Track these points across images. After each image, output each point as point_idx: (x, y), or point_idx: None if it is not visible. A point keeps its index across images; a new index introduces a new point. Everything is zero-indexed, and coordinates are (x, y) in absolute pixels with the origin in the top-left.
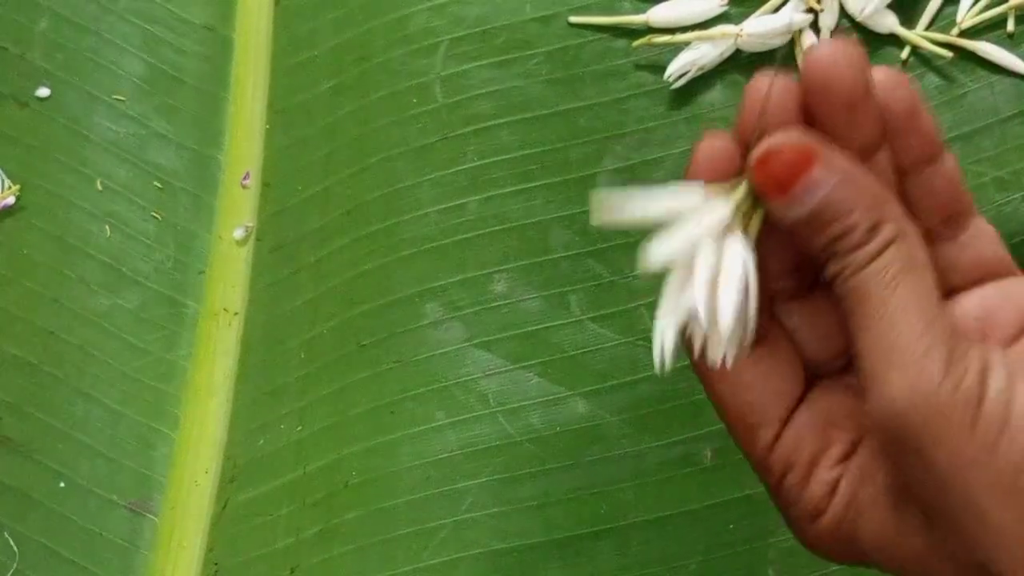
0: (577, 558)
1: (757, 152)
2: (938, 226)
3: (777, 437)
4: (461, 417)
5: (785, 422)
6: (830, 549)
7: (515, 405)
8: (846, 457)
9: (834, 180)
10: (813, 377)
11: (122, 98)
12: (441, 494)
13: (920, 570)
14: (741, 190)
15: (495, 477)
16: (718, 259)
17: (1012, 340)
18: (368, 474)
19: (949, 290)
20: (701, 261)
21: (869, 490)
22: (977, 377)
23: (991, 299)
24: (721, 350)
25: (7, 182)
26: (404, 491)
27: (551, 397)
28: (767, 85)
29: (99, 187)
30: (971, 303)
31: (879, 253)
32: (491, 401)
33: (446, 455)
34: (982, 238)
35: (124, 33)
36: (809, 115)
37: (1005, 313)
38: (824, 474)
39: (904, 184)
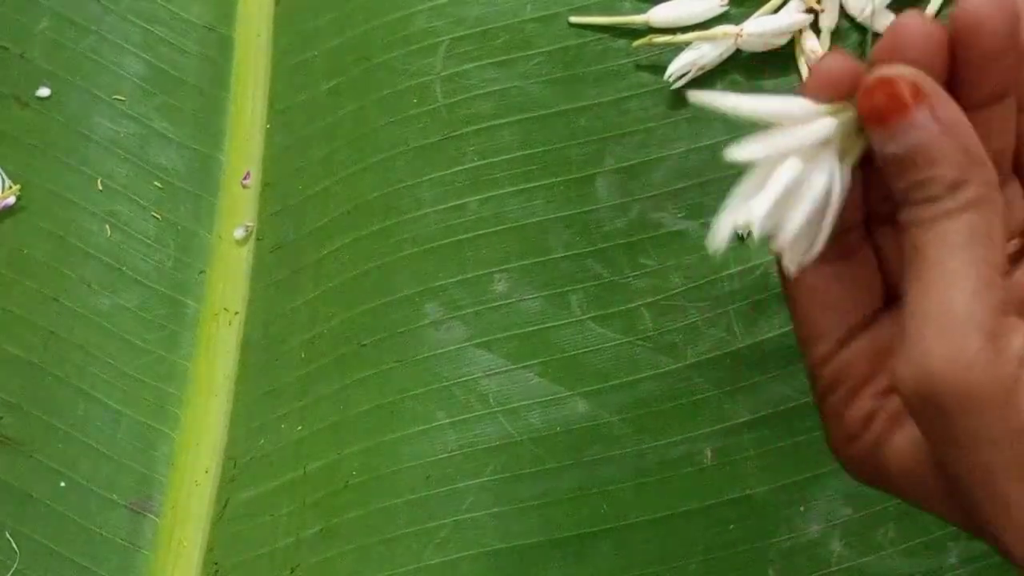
0: (577, 558)
1: (872, 78)
2: None
3: (833, 354)
4: (461, 417)
5: (844, 342)
6: (859, 471)
7: (515, 405)
8: (888, 392)
9: (932, 127)
10: (890, 304)
11: (122, 98)
12: (441, 494)
13: (938, 512)
14: (848, 113)
15: (495, 477)
16: (804, 172)
17: None
18: (368, 474)
19: None
20: (784, 169)
21: (900, 430)
22: (1016, 360)
23: None
24: (791, 259)
25: (7, 182)
26: (404, 491)
27: (551, 397)
28: (914, 22)
29: (99, 187)
30: None
31: (951, 214)
32: (491, 401)
33: (446, 455)
34: None
35: (124, 33)
36: (950, 60)
37: None
38: (864, 402)
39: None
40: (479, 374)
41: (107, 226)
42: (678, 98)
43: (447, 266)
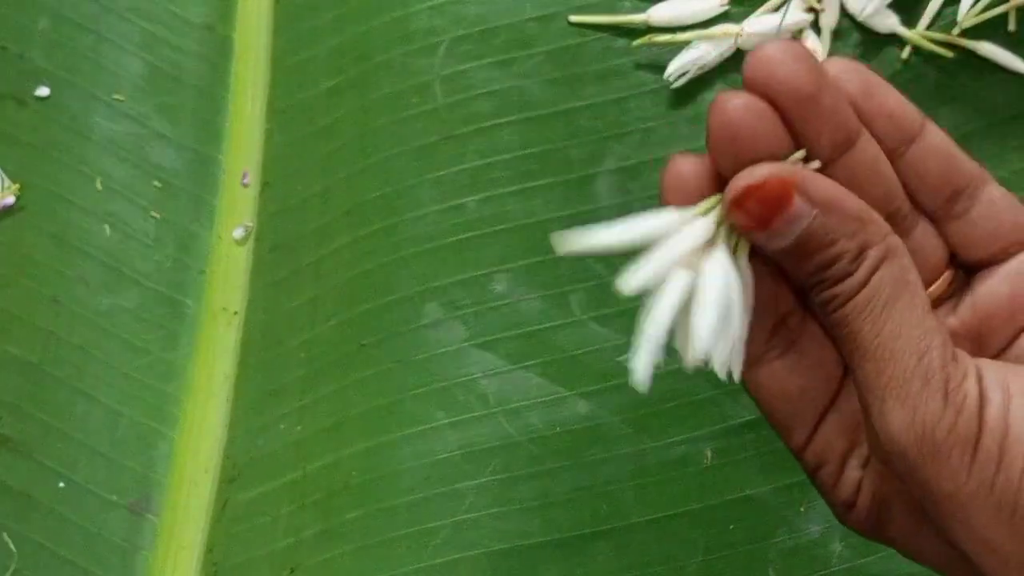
0: (577, 558)
1: (732, 191)
2: (944, 204)
3: (810, 438)
4: (461, 417)
5: (818, 423)
6: (866, 534)
7: (515, 405)
8: (869, 458)
9: (814, 211)
10: (846, 373)
11: (122, 98)
12: (441, 494)
13: (941, 568)
14: (719, 211)
15: (495, 477)
16: (694, 280)
17: None
18: (368, 474)
19: (974, 267)
20: (672, 285)
21: (891, 491)
22: (974, 408)
23: (1017, 273)
24: (720, 366)
25: (7, 182)
26: (404, 491)
27: (551, 397)
28: (735, 107)
29: (99, 187)
30: (998, 281)
31: (866, 281)
32: (491, 401)
33: (446, 455)
34: (998, 208)
35: (124, 33)
36: (785, 126)
37: None
38: (852, 472)
39: (896, 169)
40: (479, 374)
41: (106, 226)
42: (678, 98)
43: (447, 266)
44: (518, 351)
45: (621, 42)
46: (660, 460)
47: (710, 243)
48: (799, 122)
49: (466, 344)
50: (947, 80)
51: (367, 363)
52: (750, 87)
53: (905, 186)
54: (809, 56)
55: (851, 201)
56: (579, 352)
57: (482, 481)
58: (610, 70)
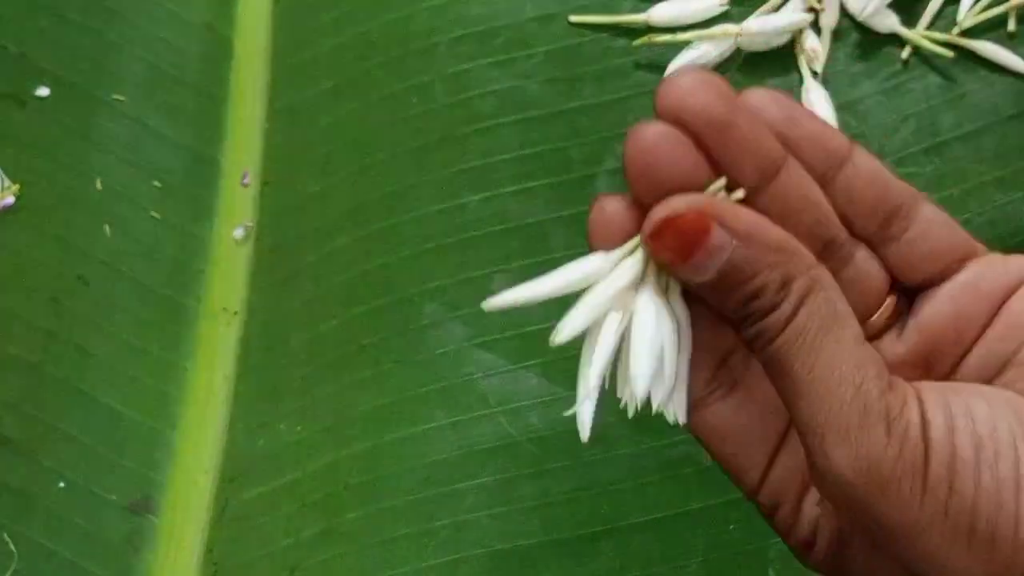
0: (577, 558)
1: (650, 225)
2: (880, 228)
3: (762, 480)
4: (461, 417)
5: (770, 464)
6: (830, 573)
7: (515, 405)
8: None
9: (733, 243)
10: None
11: (122, 98)
12: (441, 494)
13: None
14: (642, 251)
15: (495, 477)
16: (625, 322)
17: (984, 329)
18: (368, 474)
19: (917, 290)
20: (604, 329)
21: (846, 528)
22: (918, 434)
23: (958, 291)
24: (660, 407)
25: (7, 182)
26: (404, 491)
27: (551, 397)
28: (649, 136)
29: (99, 187)
30: (941, 301)
31: (793, 315)
32: (491, 401)
33: (446, 455)
34: (933, 227)
35: (124, 33)
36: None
37: (976, 303)
38: (809, 510)
39: (828, 195)
40: (479, 374)
41: (106, 226)
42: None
43: (447, 266)
44: (518, 351)
45: (621, 42)
46: (660, 460)
47: (640, 283)
48: (718, 150)
49: (466, 344)
50: (947, 80)
51: (367, 363)
52: (663, 116)
53: (839, 213)
54: (720, 83)
55: (772, 231)
56: (579, 353)
57: (482, 481)
58: (610, 70)
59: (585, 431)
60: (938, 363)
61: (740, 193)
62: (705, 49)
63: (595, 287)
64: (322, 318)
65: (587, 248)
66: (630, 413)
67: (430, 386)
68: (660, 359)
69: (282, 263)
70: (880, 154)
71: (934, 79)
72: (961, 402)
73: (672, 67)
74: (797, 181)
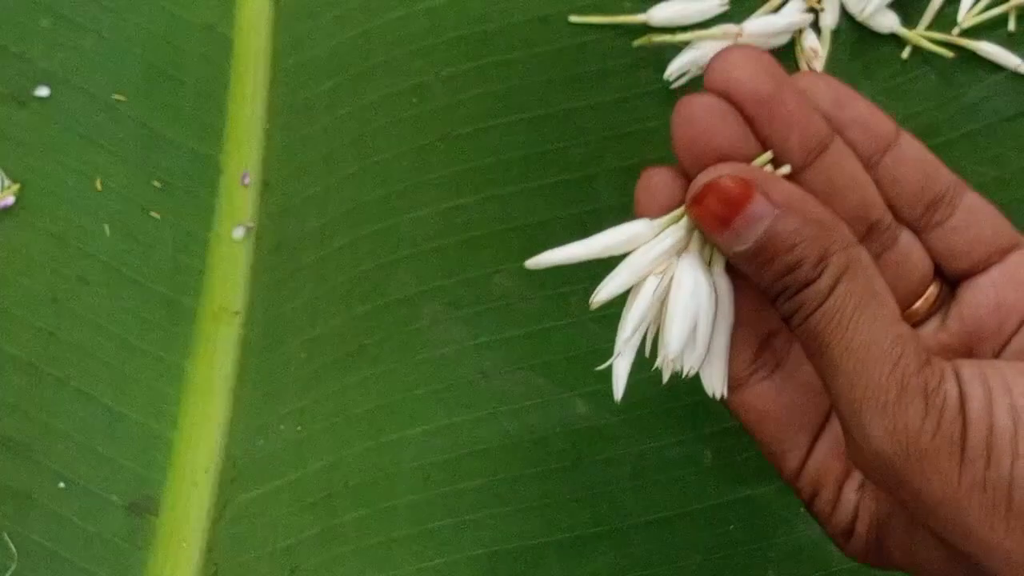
0: (577, 558)
1: (693, 188)
2: (924, 214)
3: (803, 463)
4: (462, 418)
5: (811, 447)
6: (868, 561)
7: (516, 406)
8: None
9: (775, 212)
10: None
11: (122, 98)
12: (441, 494)
13: None
14: (686, 219)
15: (496, 477)
16: (663, 287)
17: (1021, 323)
18: (368, 474)
19: (960, 277)
20: (641, 293)
21: (886, 510)
22: (956, 408)
23: (1001, 281)
24: (690, 371)
25: (7, 181)
26: (404, 491)
27: (552, 397)
28: (697, 106)
29: (99, 187)
30: (984, 289)
31: (831, 291)
32: (492, 402)
33: (446, 455)
34: (977, 216)
35: (124, 33)
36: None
37: (1017, 293)
38: (849, 497)
39: (874, 178)
40: (479, 375)
41: (106, 226)
42: (678, 98)
43: (447, 266)
44: (518, 351)
45: (621, 42)
46: (660, 461)
47: (683, 251)
48: (765, 125)
49: (466, 344)
50: (947, 80)
51: (368, 363)
52: (711, 89)
53: (884, 197)
54: (768, 59)
55: (813, 206)
56: (579, 353)
57: (482, 481)
58: (610, 70)
59: (619, 389)
60: (980, 350)
61: (786, 169)
62: (705, 49)
63: (637, 251)
64: (322, 318)
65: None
66: (664, 379)
67: (430, 386)
68: (694, 326)
69: (282, 263)
70: None
71: (934, 79)
72: (999, 376)
73: (672, 67)
74: (843, 161)
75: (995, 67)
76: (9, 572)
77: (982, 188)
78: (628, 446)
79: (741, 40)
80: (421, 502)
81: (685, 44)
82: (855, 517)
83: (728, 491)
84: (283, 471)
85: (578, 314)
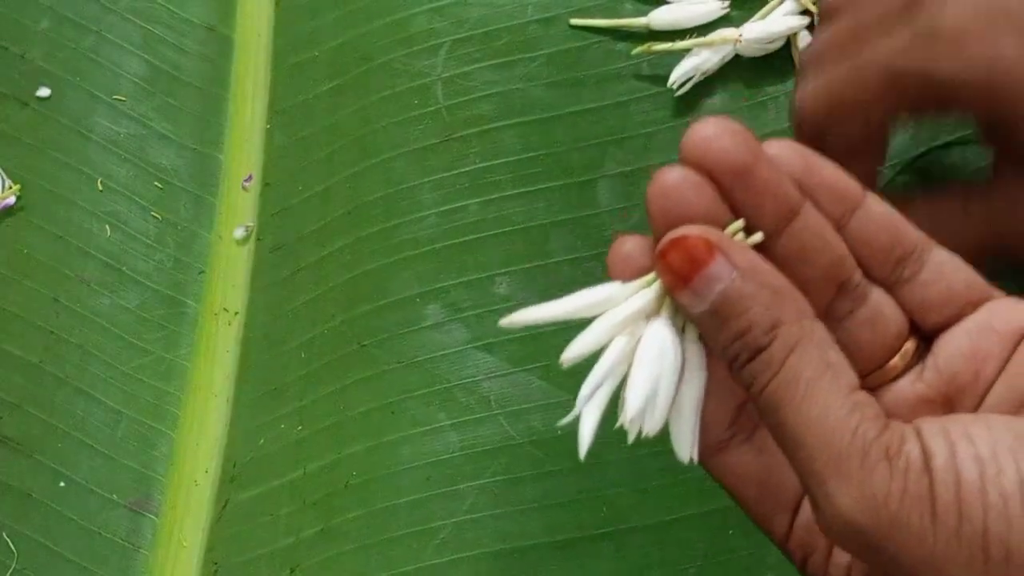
0: (577, 560)
1: (660, 244)
2: (894, 270)
3: (790, 525)
4: (462, 418)
5: (796, 511)
6: None
7: (516, 407)
8: None
9: (732, 274)
10: None
11: (122, 98)
12: (442, 495)
13: None
14: (658, 283)
15: (496, 479)
16: (629, 348)
17: (1002, 366)
18: (369, 474)
19: (935, 331)
20: (607, 353)
21: (878, 572)
22: (920, 467)
23: (975, 330)
24: (678, 446)
25: (7, 182)
26: (405, 492)
27: (552, 400)
28: (671, 179)
29: (99, 187)
30: (958, 340)
31: (782, 362)
32: (492, 403)
33: (447, 456)
34: (947, 269)
35: (124, 33)
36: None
37: (992, 342)
38: (840, 557)
39: (842, 236)
40: (480, 376)
41: (107, 226)
42: (679, 102)
43: (448, 268)
44: (519, 354)
45: (622, 45)
46: (660, 464)
47: (653, 315)
48: (739, 195)
49: (468, 346)
50: None
51: (368, 364)
52: (686, 161)
53: (854, 255)
54: (744, 131)
55: (772, 274)
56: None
57: (483, 482)
58: (611, 74)
59: (584, 446)
60: (960, 402)
61: (758, 236)
62: (707, 55)
63: (608, 312)
64: (322, 318)
65: (587, 249)
66: (629, 439)
67: (431, 387)
68: (655, 389)
69: (282, 263)
70: None
71: None
72: (960, 428)
73: (675, 75)
74: (814, 224)
75: None
76: (9, 572)
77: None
78: (628, 450)
79: (740, 46)
80: (421, 502)
81: (686, 51)
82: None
83: (727, 496)
84: (283, 471)
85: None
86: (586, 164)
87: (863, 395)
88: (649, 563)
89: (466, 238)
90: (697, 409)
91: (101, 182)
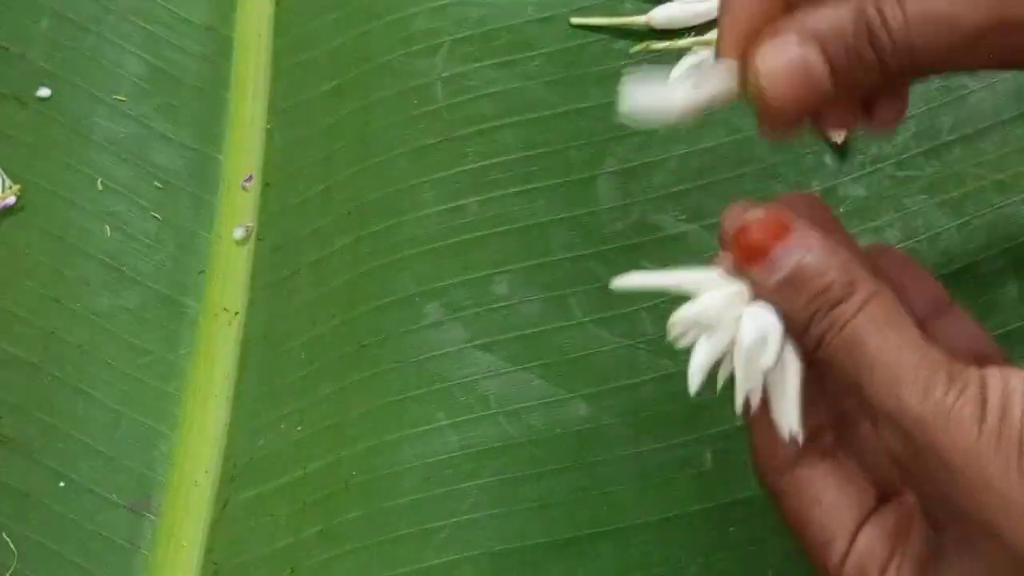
0: (577, 559)
1: (736, 224)
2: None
3: (849, 549)
4: (462, 418)
5: (855, 535)
6: None
7: (516, 406)
8: (909, 560)
9: (807, 246)
10: (883, 503)
11: (122, 98)
12: (442, 495)
13: None
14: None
15: (496, 478)
16: (735, 326)
17: None
18: (368, 474)
19: None
20: (719, 327)
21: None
22: (978, 386)
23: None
24: (780, 418)
25: (7, 182)
26: (405, 491)
27: (552, 399)
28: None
29: (99, 187)
30: None
31: (863, 304)
32: (492, 402)
33: (447, 456)
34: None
35: (124, 33)
36: None
37: None
38: None
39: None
40: (480, 375)
41: (107, 226)
42: None
43: (448, 267)
44: (519, 353)
45: (622, 44)
46: (660, 462)
47: (745, 300)
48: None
49: (467, 345)
50: (947, 81)
51: (368, 364)
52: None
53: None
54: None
55: (840, 248)
56: (579, 354)
57: (483, 482)
58: (611, 72)
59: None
60: None
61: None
62: (706, 53)
63: (710, 292)
64: (322, 318)
65: (587, 247)
66: (738, 408)
67: (430, 387)
68: (757, 354)
69: (282, 263)
70: (879, 156)
71: (934, 81)
72: (1020, 376)
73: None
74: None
75: None
76: (9, 572)
77: (981, 192)
78: (628, 448)
79: None
80: (421, 502)
81: (685, 49)
82: None
83: (728, 493)
84: (283, 471)
85: (578, 316)
86: (586, 162)
87: (932, 340)
88: (649, 562)
89: (466, 237)
90: (798, 384)
91: (101, 182)
